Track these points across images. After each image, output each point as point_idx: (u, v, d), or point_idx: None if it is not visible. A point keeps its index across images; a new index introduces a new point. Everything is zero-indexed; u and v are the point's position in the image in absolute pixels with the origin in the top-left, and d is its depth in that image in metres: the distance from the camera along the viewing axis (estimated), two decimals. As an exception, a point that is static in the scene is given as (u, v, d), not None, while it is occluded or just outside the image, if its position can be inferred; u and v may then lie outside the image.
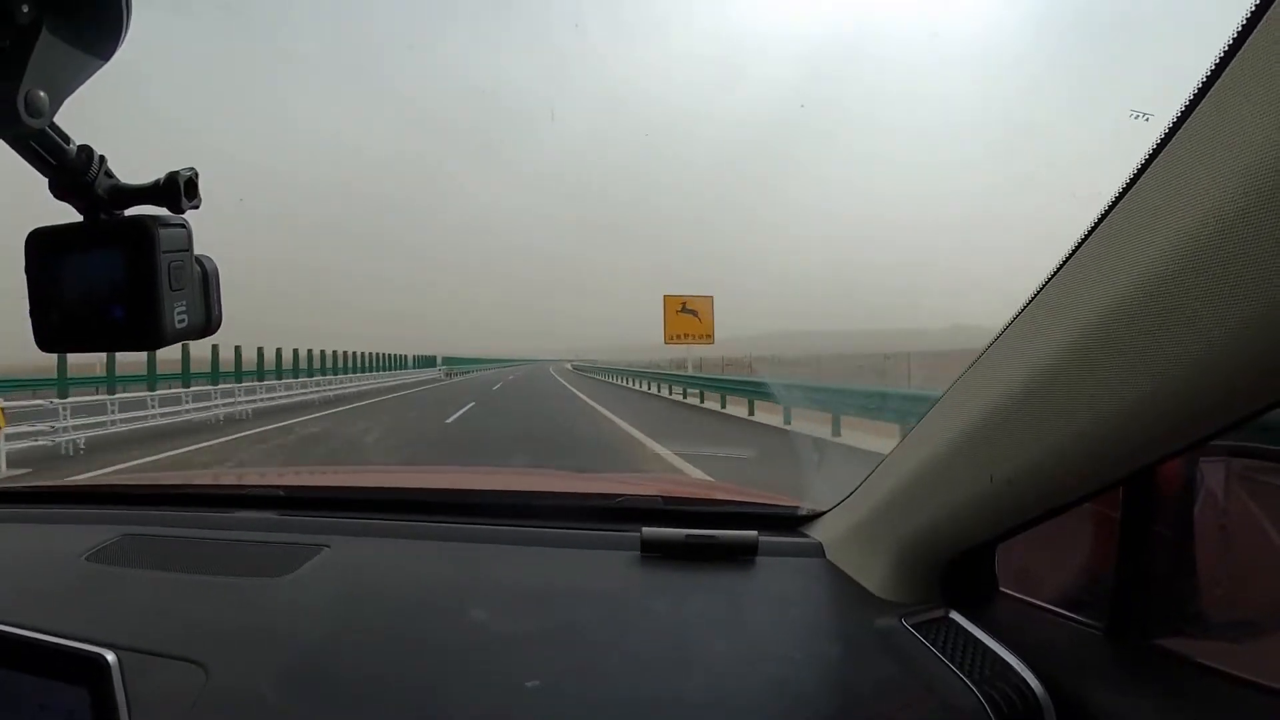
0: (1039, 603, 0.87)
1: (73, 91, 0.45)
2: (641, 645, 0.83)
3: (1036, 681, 0.73)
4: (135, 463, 9.37)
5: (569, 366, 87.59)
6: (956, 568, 0.87)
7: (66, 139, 0.46)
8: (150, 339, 0.46)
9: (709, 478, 6.56)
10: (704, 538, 1.01)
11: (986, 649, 0.78)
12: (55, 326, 0.48)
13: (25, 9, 0.42)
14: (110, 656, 0.54)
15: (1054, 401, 0.61)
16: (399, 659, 0.81)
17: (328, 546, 1.08)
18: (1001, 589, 0.90)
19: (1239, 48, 0.42)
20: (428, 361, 60.02)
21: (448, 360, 64.08)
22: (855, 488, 1.03)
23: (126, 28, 0.44)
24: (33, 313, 0.49)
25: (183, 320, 0.48)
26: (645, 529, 1.03)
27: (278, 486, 1.37)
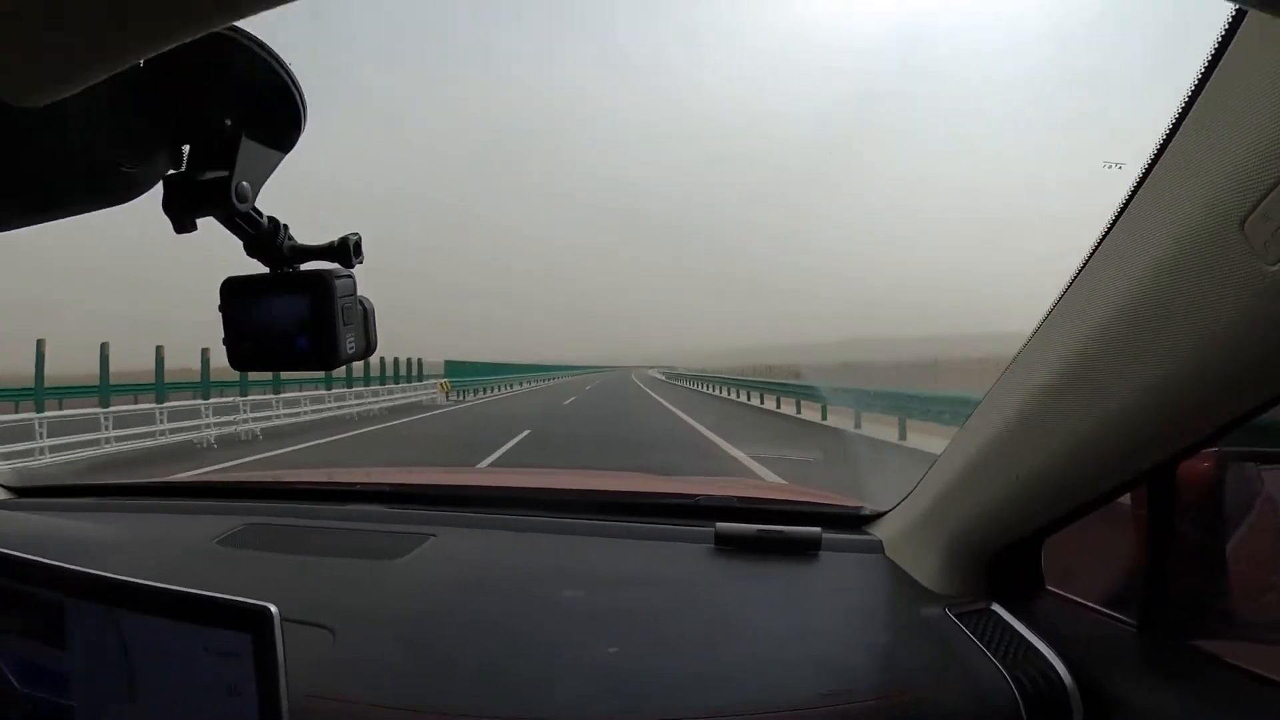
0: (1078, 599, 0.96)
1: (266, 178, 0.61)
2: (711, 623, 0.96)
3: (1066, 671, 0.82)
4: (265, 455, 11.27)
5: (658, 375, 78.25)
6: (1002, 564, 0.97)
7: (259, 213, 0.62)
8: (328, 362, 0.62)
9: (782, 481, 6.72)
10: (773, 533, 1.14)
11: (1022, 639, 0.87)
12: (247, 352, 0.65)
13: (229, 123, 0.58)
14: (273, 608, 0.68)
15: (1064, 404, 0.72)
16: (499, 628, 0.96)
17: (434, 535, 1.25)
18: (1047, 586, 0.99)
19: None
20: (469, 371, 41.79)
21: (459, 370, 39.80)
22: (912, 489, 1.14)
23: (302, 128, 0.60)
24: (226, 340, 0.65)
25: (351, 347, 0.63)
26: (719, 524, 1.16)
27: (384, 484, 1.56)
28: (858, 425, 14.25)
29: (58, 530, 1.26)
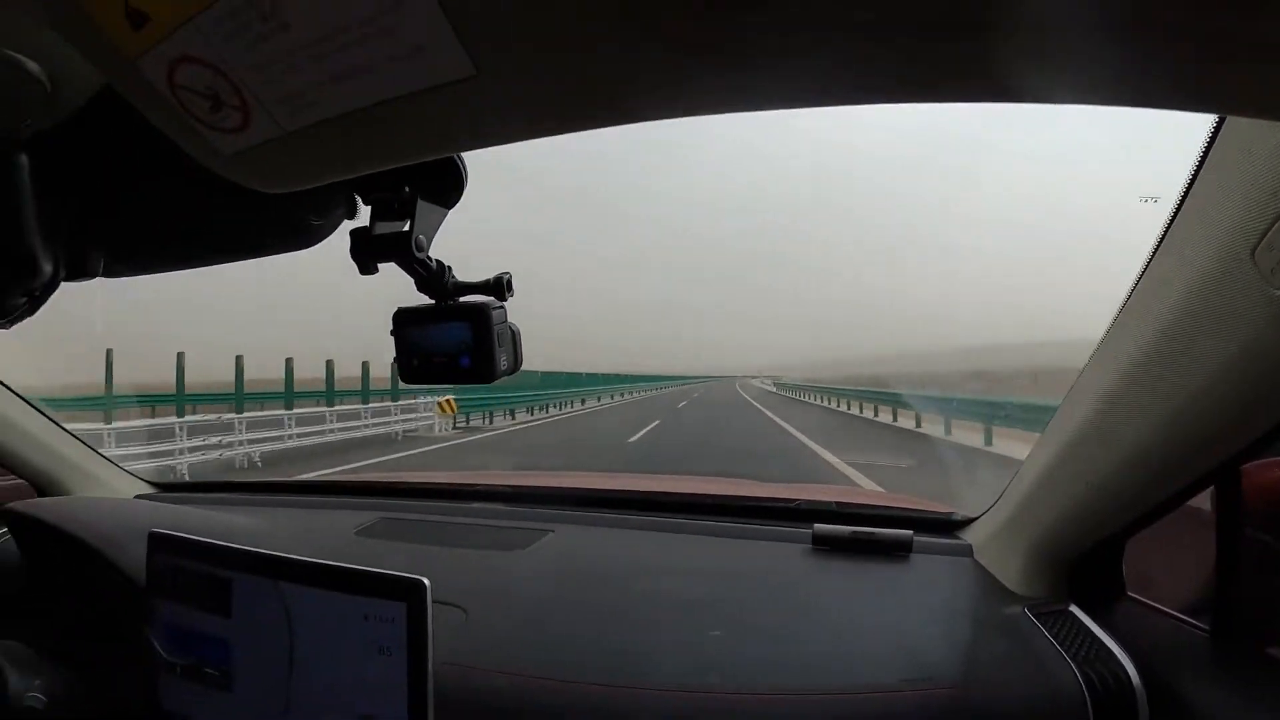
0: (1154, 604, 1.02)
1: (437, 230, 0.75)
2: (805, 614, 1.05)
3: (1135, 672, 0.88)
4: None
5: (765, 385, 72.25)
6: (1083, 568, 1.03)
7: (430, 257, 0.75)
8: (485, 378, 0.75)
9: (879, 488, 6.80)
10: (866, 534, 1.24)
11: (1096, 639, 0.93)
12: (416, 368, 0.78)
13: (407, 189, 0.72)
14: (426, 581, 0.82)
15: (1124, 411, 0.80)
16: (613, 612, 1.08)
17: (552, 531, 1.39)
18: (1128, 592, 1.05)
19: None
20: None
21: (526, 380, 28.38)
22: (999, 495, 1.22)
23: (464, 189, 0.74)
24: (398, 359, 0.80)
25: (504, 365, 0.76)
26: (817, 525, 1.26)
27: (504, 485, 1.72)
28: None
29: (206, 520, 1.43)
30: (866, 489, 5.69)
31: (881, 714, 0.84)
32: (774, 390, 55.44)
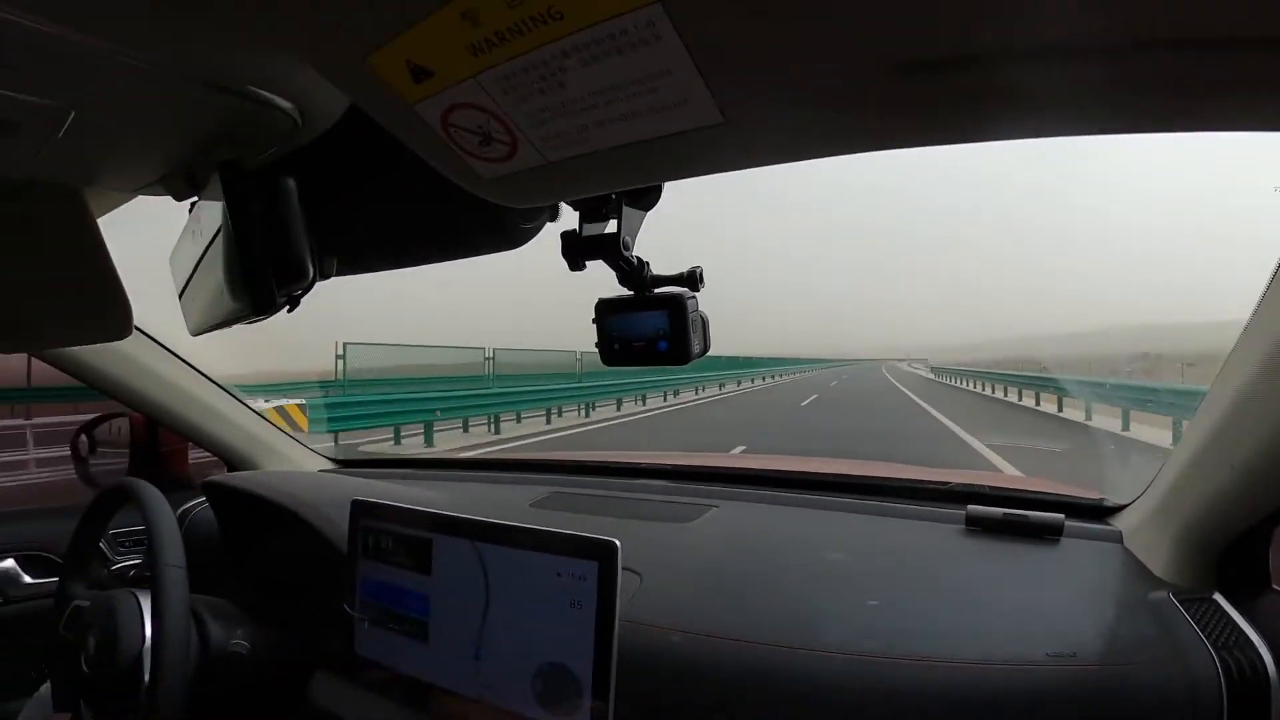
0: None
1: (639, 230, 0.84)
2: (956, 589, 1.10)
3: (1273, 664, 0.90)
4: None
5: (916, 369, 67.02)
6: (1230, 558, 1.04)
7: (632, 255, 0.85)
8: (681, 360, 0.85)
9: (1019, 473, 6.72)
10: (1019, 517, 1.27)
11: (1237, 628, 0.95)
12: (617, 352, 0.89)
13: (613, 197, 0.81)
14: (616, 542, 0.93)
15: (1268, 391, 0.82)
16: (777, 580, 1.16)
17: (716, 506, 1.49)
18: (1274, 585, 1.05)
19: None
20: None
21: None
22: (1150, 481, 1.23)
23: (661, 194, 0.83)
24: (599, 344, 0.90)
25: (697, 349, 0.85)
26: (971, 506, 1.30)
27: (667, 464, 1.83)
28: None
29: (389, 492, 1.58)
30: (1013, 474, 5.59)
31: (1025, 684, 0.88)
32: (930, 376, 47.43)
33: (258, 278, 0.71)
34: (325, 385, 15.92)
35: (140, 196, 0.99)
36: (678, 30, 0.36)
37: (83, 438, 2.09)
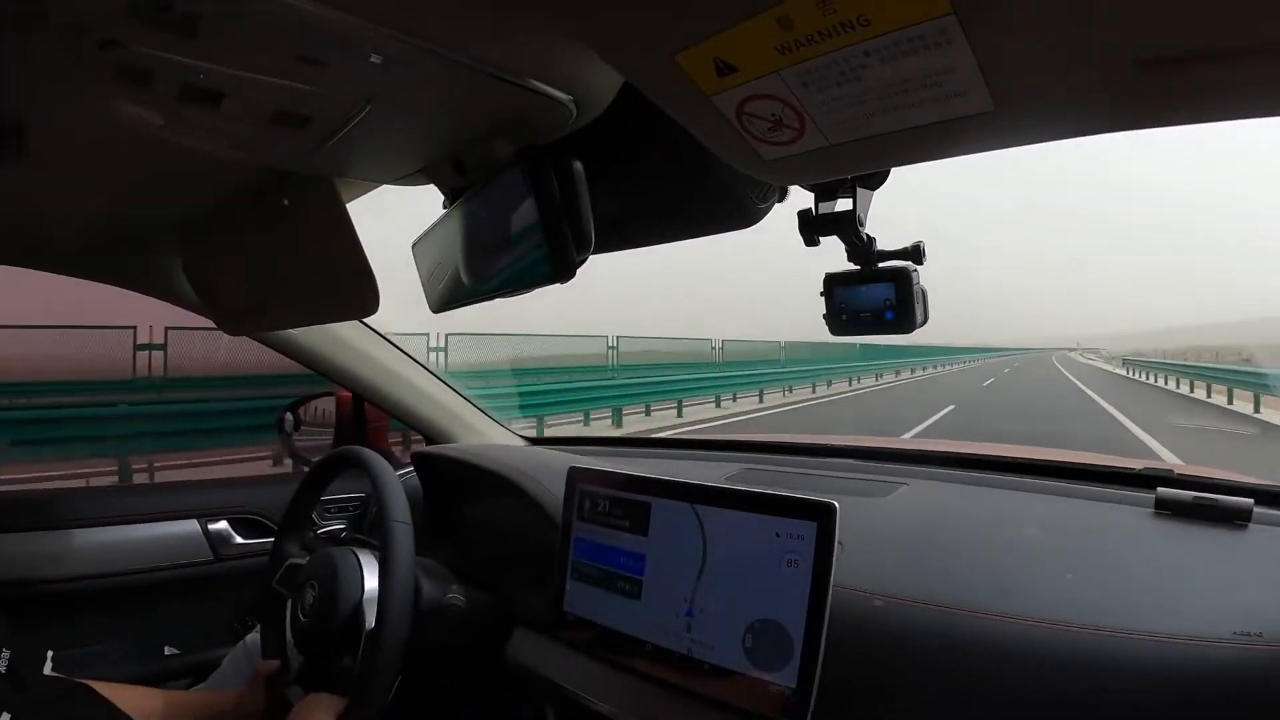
0: None
1: (869, 210, 0.92)
2: (1144, 567, 1.13)
3: None
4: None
5: (1096, 362, 56.94)
6: None
7: (863, 232, 0.93)
8: (906, 329, 0.92)
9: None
10: (1209, 500, 1.28)
11: None
12: (844, 322, 0.96)
13: (849, 179, 0.89)
14: (835, 503, 1.01)
15: None
16: (973, 551, 1.22)
17: (906, 484, 1.55)
18: None
19: None
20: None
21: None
22: None
23: (889, 175, 0.90)
24: (827, 315, 0.98)
25: (920, 318, 0.93)
26: (1160, 489, 1.32)
27: (854, 445, 1.90)
28: None
29: (588, 464, 1.72)
30: (1200, 466, 5.40)
31: (1210, 658, 0.90)
32: (1115, 370, 39.19)
33: (558, 248, 0.82)
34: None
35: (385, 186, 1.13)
36: (966, 35, 0.44)
37: (288, 416, 2.33)
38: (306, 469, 2.00)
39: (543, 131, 0.83)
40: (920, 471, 1.66)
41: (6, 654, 0.98)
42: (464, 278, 1.02)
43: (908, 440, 2.28)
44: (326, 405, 2.33)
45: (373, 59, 0.67)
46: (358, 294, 1.17)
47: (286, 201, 1.20)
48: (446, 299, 1.09)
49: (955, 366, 46.26)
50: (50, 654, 1.10)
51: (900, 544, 1.27)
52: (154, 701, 1.28)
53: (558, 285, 0.85)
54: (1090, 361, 57.25)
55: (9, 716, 0.90)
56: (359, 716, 1.17)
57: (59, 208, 1.40)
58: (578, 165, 0.82)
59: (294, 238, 1.24)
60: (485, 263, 0.95)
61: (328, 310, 1.41)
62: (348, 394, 2.23)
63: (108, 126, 0.95)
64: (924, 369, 40.97)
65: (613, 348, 19.65)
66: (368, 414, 2.23)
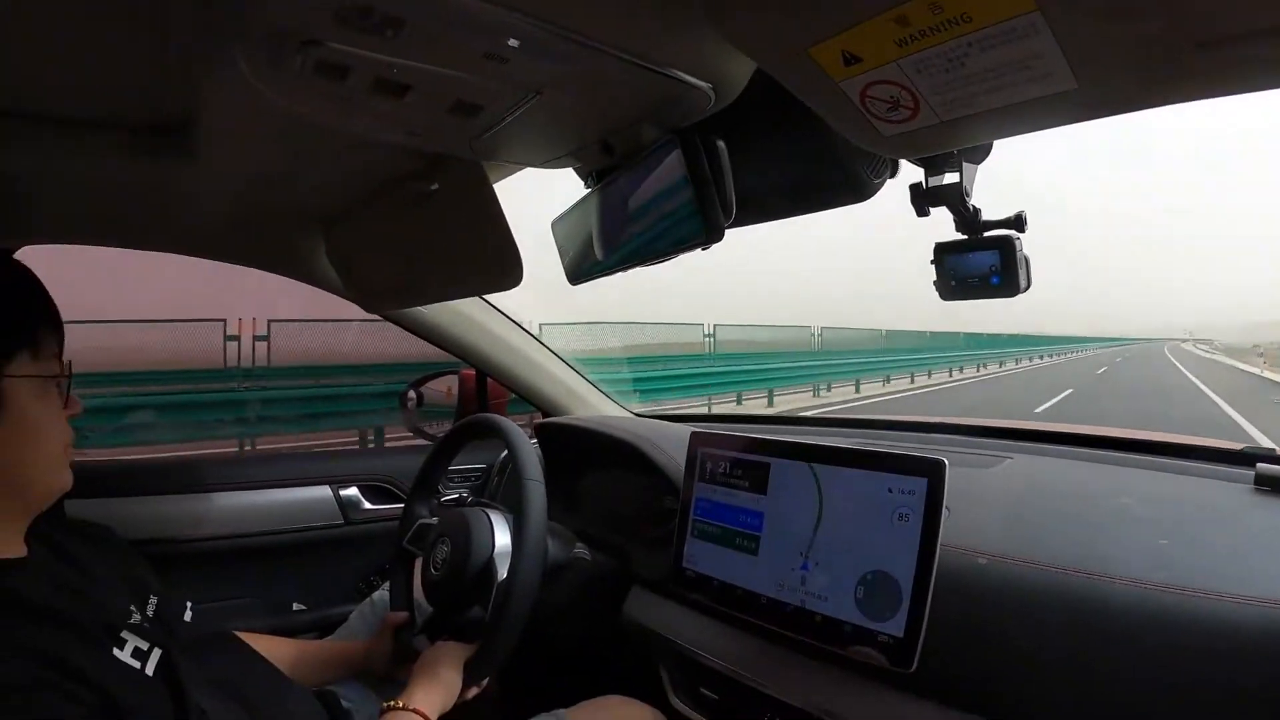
0: None
1: (974, 182, 1.02)
2: (1240, 537, 1.18)
3: None
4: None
5: (1211, 355, 54.04)
6: None
7: (969, 203, 1.03)
8: (1011, 293, 1.02)
9: None
10: None
11: None
12: (953, 288, 1.06)
13: (954, 154, 0.99)
14: (945, 460, 1.11)
15: None
16: (1075, 516, 1.30)
17: (1011, 458, 1.64)
18: None
19: None
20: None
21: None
22: None
23: (991, 149, 1.02)
24: (938, 282, 1.08)
25: (1023, 283, 1.03)
26: (1260, 465, 1.36)
27: (961, 424, 2.00)
28: None
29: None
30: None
31: None
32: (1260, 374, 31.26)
33: (708, 214, 0.95)
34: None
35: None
36: (1050, 27, 0.56)
37: (411, 393, 2.55)
38: (427, 442, 2.20)
39: (684, 115, 0.95)
40: (1025, 447, 1.75)
41: (154, 600, 1.12)
42: (605, 249, 1.16)
43: (1006, 421, 2.34)
44: (447, 384, 2.54)
45: (546, 56, 0.81)
46: (504, 268, 1.31)
47: (435, 185, 1.35)
48: (586, 270, 1.23)
49: (1041, 362, 43.38)
50: (189, 604, 1.24)
51: (1004, 510, 1.36)
52: (286, 649, 1.43)
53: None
54: (1211, 357, 49.85)
55: (159, 652, 1.03)
56: (486, 661, 1.29)
57: (214, 197, 1.57)
58: (721, 143, 0.95)
59: (442, 219, 1.40)
60: (631, 233, 1.08)
61: (473, 284, 1.57)
62: (471, 372, 2.43)
63: (275, 121, 1.13)
64: (1001, 364, 39.19)
65: (709, 336, 19.94)
66: (491, 389, 2.43)
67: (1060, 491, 1.47)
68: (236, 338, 10.83)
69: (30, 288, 1.04)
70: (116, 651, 0.96)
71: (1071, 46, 0.57)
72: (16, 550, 0.99)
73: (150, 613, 1.10)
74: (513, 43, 0.78)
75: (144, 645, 1.00)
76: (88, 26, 0.90)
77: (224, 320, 10.75)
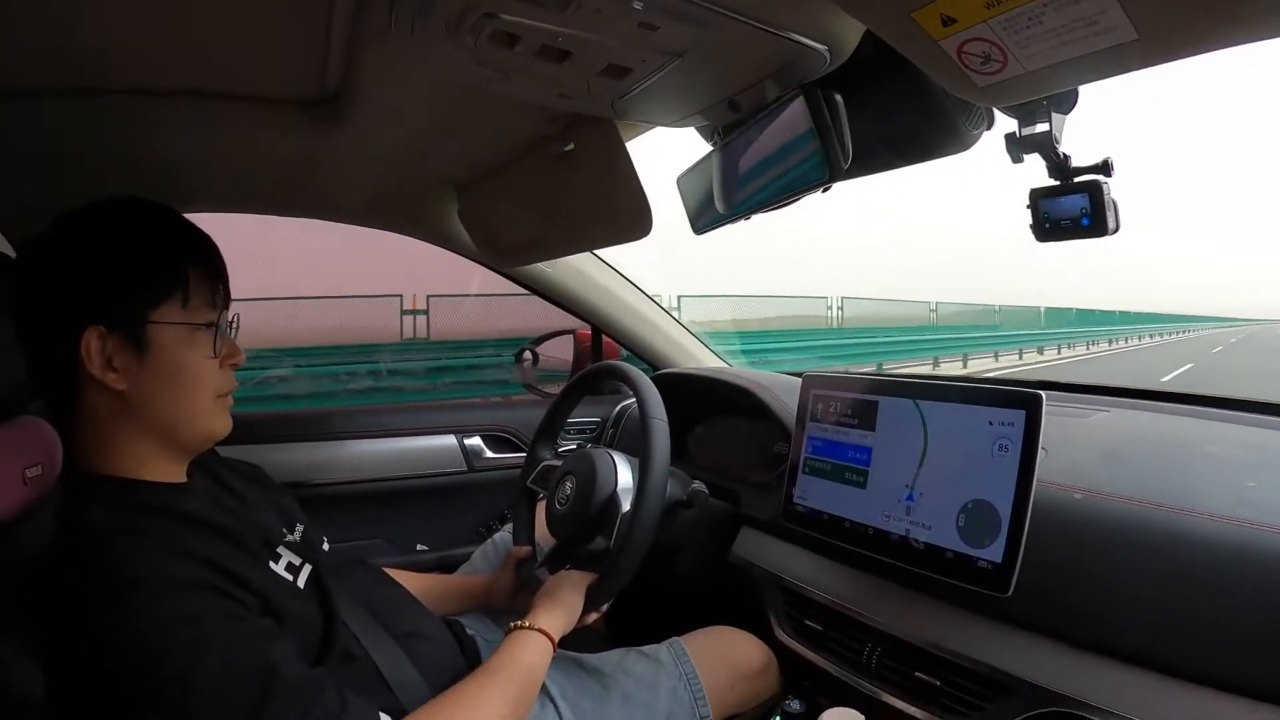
0: None
1: (1062, 132, 1.13)
2: None
3: None
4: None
5: None
6: None
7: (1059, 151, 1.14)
8: (1100, 234, 1.13)
9: None
10: None
11: None
12: (1047, 230, 1.17)
13: (1044, 103, 1.11)
14: (1043, 394, 1.21)
15: None
16: (1167, 461, 1.42)
17: (1106, 411, 1.76)
18: None
19: None
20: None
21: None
22: None
23: (1077, 100, 1.13)
24: (1033, 224, 1.19)
25: (1112, 225, 1.13)
26: None
27: (1060, 382, 2.11)
28: None
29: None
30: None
31: None
32: None
33: (831, 157, 1.10)
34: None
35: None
36: None
37: (527, 353, 2.82)
38: (539, 397, 2.40)
39: (803, 74, 1.10)
40: (1120, 403, 1.87)
41: (301, 527, 1.28)
42: (731, 199, 1.32)
43: (1109, 381, 2.45)
44: (563, 343, 2.78)
45: (689, 22, 0.98)
46: (635, 219, 1.49)
47: (570, 146, 1.52)
48: (710, 220, 1.40)
49: (1150, 341, 44.52)
50: (324, 540, 1.39)
51: (1098, 452, 1.48)
52: (412, 580, 1.58)
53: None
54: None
55: (310, 568, 1.18)
56: (608, 587, 1.39)
57: (359, 165, 1.76)
58: (839, 96, 1.10)
59: (576, 176, 1.57)
60: (757, 182, 1.24)
61: (604, 236, 1.73)
62: (586, 332, 2.66)
63: (422, 90, 1.30)
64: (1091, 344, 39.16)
65: (832, 308, 20.85)
66: (606, 347, 2.65)
67: (1152, 438, 1.60)
68: (414, 311, 11.77)
69: (184, 238, 1.10)
70: (272, 564, 1.10)
71: (1129, 3, 0.70)
72: (179, 478, 1.11)
73: (298, 536, 1.26)
74: (663, 12, 0.95)
75: (296, 560, 1.16)
76: (257, 7, 1.07)
77: (400, 295, 11.67)
